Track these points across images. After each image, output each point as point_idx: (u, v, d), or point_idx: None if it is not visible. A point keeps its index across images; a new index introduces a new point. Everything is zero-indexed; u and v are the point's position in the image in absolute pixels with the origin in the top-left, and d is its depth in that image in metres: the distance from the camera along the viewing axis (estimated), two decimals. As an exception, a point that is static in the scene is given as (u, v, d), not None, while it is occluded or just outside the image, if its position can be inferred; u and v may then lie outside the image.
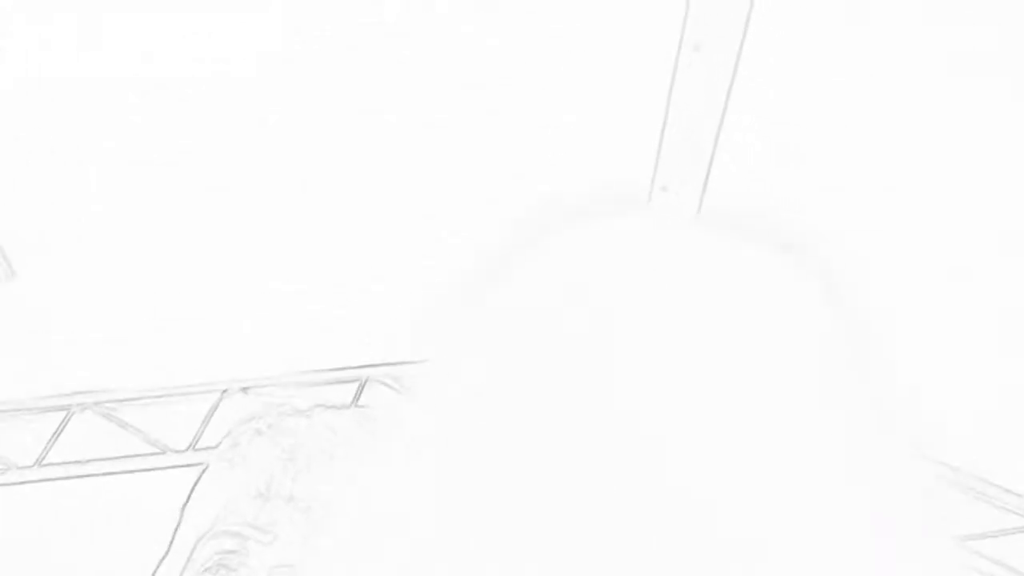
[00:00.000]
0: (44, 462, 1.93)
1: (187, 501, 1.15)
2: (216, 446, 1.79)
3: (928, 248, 1.76)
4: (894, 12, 1.74)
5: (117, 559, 1.53)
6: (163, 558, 1.10)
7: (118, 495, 1.88)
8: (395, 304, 2.00)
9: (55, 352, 1.99)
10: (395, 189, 1.95)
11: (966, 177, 1.73)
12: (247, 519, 1.07)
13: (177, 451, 1.90)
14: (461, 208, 1.97)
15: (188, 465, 1.84)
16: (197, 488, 1.23)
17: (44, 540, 1.82)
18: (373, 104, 1.86)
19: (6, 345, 2.00)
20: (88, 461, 1.94)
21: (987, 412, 1.66)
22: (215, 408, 1.94)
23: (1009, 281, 1.69)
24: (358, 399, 1.89)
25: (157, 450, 1.91)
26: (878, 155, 1.83)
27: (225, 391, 1.97)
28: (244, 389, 1.96)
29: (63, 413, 2.01)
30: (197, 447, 1.88)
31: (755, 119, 1.84)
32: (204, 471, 1.36)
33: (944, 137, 1.76)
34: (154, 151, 1.86)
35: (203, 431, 1.90)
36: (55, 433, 1.96)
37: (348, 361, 2.00)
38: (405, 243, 1.99)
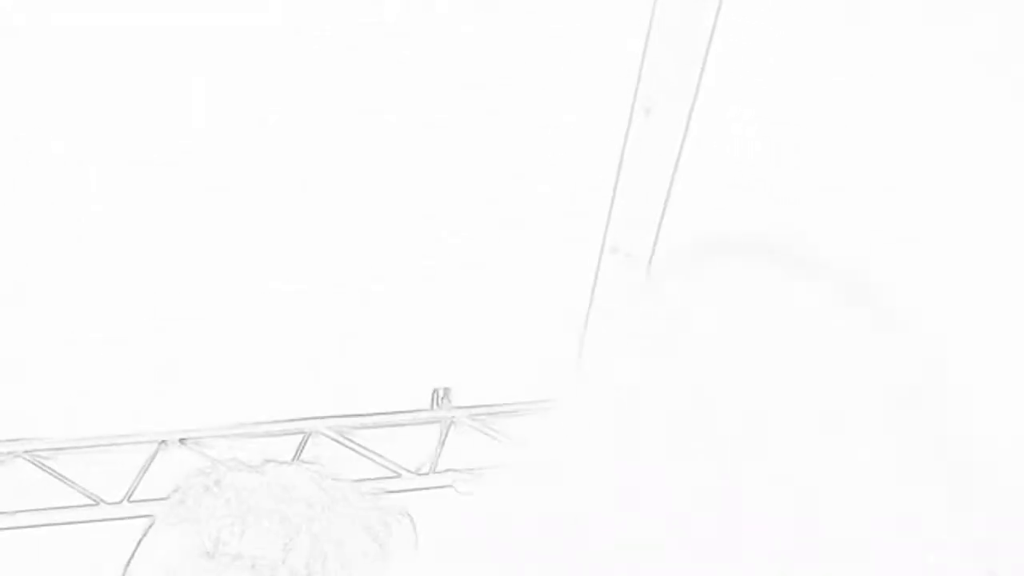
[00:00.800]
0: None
1: (130, 558, 1.14)
2: (154, 499, 1.75)
3: (932, 250, 1.78)
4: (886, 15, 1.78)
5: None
6: None
7: (51, 547, 1.88)
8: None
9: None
10: (395, 189, 1.95)
11: (966, 180, 1.75)
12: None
13: (111, 503, 1.87)
14: (461, 208, 1.97)
15: (123, 518, 1.82)
16: (140, 545, 1.21)
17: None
18: (373, 104, 1.87)
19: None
20: (16, 512, 1.92)
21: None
22: (151, 460, 1.92)
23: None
24: (300, 454, 1.86)
25: (91, 501, 1.89)
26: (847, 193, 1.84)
27: (163, 442, 1.95)
28: (182, 440, 1.94)
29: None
30: (132, 499, 1.85)
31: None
32: (149, 527, 1.34)
33: (931, 154, 1.77)
34: (154, 151, 1.85)
35: (138, 483, 1.87)
36: None
37: (292, 413, 1.99)
38: (405, 243, 1.99)
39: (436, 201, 1.97)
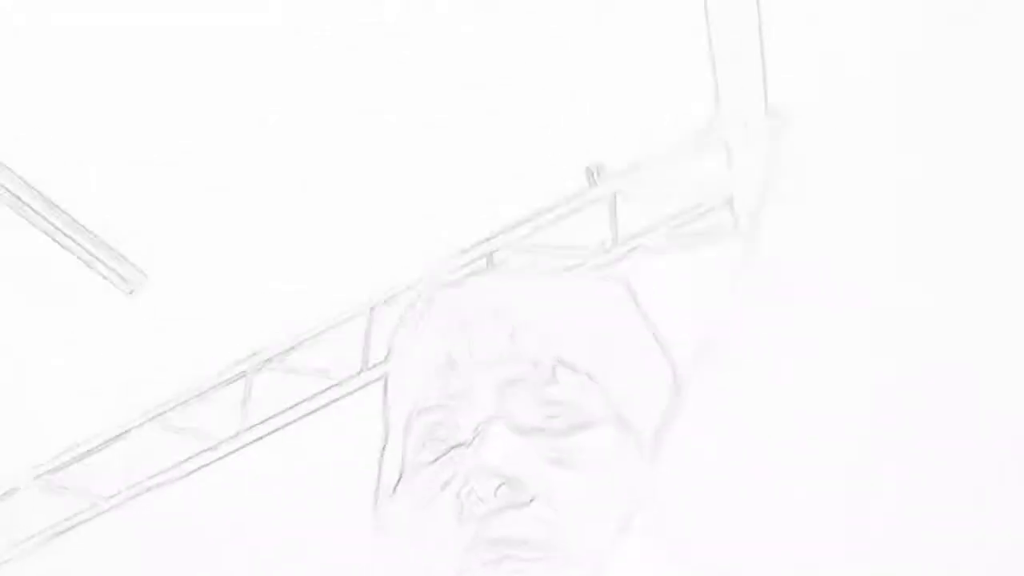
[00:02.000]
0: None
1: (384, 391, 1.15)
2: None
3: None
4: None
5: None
6: (384, 447, 1.10)
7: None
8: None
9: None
10: (395, 189, 1.95)
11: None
12: (444, 391, 1.08)
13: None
14: (461, 208, 1.97)
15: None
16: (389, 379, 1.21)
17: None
18: (373, 104, 1.87)
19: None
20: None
21: None
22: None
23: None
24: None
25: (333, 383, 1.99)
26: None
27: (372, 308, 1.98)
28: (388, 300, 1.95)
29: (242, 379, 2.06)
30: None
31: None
32: (387, 362, 1.35)
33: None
34: (154, 151, 1.86)
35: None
36: (244, 399, 2.04)
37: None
38: (405, 243, 1.99)
39: (436, 201, 1.97)
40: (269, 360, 2.07)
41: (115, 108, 1.82)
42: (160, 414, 2.10)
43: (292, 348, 2.08)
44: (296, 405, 2.03)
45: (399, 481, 1.02)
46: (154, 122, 1.84)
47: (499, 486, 0.96)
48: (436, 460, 1.01)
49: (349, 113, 1.87)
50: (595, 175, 2.03)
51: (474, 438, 1.07)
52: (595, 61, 1.92)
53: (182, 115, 1.83)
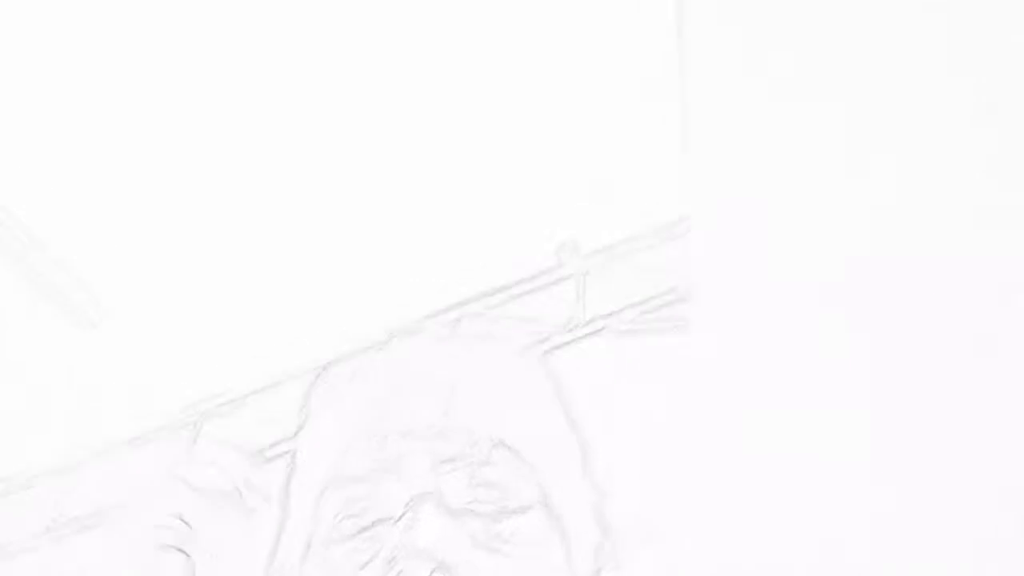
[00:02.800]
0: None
1: (293, 455, 1.11)
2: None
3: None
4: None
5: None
6: (283, 519, 1.07)
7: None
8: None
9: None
10: (395, 190, 1.95)
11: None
12: (369, 462, 1.05)
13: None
14: (460, 209, 1.97)
15: None
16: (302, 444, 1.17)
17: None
18: (373, 105, 1.87)
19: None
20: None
21: None
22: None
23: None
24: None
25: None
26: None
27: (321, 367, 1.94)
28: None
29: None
30: None
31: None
32: (301, 427, 1.30)
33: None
34: (154, 151, 1.85)
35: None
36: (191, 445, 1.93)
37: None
38: (365, 304, 1.98)
39: (435, 202, 1.96)
40: (221, 405, 2.04)
41: (113, 108, 1.82)
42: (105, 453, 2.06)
43: (243, 399, 2.05)
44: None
45: (305, 555, 0.99)
46: (154, 122, 1.83)
47: (433, 570, 0.93)
48: (356, 535, 0.98)
49: (349, 114, 1.86)
50: (567, 252, 2.04)
51: (403, 515, 1.04)
52: (576, 140, 1.93)
53: (181, 114, 1.82)
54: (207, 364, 2.03)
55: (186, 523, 1.19)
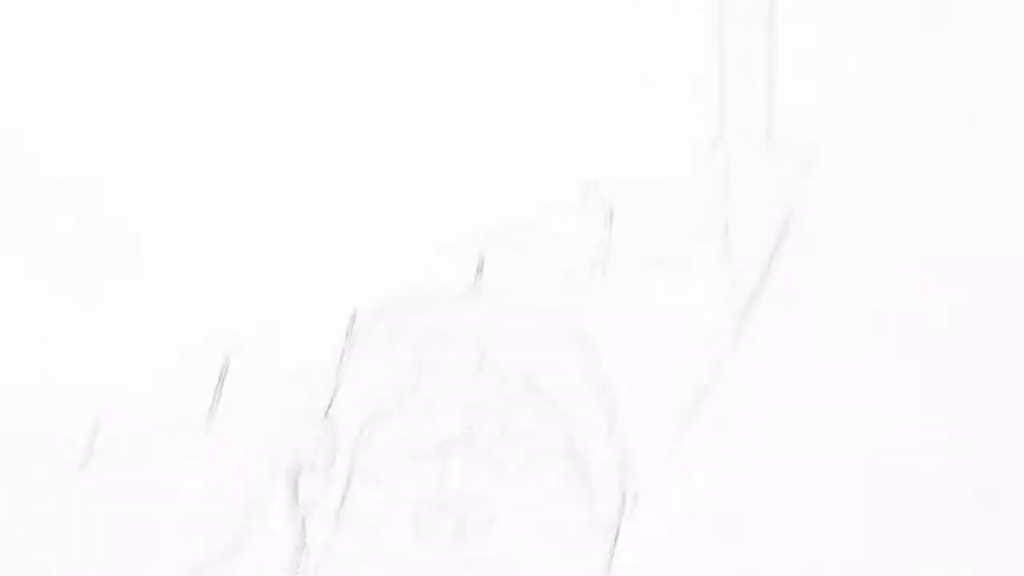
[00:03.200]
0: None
1: (330, 403, 1.15)
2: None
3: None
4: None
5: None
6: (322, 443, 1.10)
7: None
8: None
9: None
10: (395, 191, 1.95)
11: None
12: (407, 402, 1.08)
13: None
14: (461, 211, 1.97)
15: None
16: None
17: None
18: (363, 96, 1.86)
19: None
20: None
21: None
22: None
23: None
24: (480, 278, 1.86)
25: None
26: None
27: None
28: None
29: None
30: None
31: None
32: (337, 387, 1.32)
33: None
34: (154, 151, 1.85)
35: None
36: (218, 384, 1.94)
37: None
38: (394, 240, 1.98)
39: (436, 203, 1.96)
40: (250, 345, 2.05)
41: (112, 109, 1.81)
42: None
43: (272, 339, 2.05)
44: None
45: (344, 498, 1.01)
46: (154, 123, 1.82)
47: (457, 523, 0.95)
48: (389, 481, 1.00)
49: (349, 115, 1.86)
50: (592, 190, 2.03)
51: (435, 456, 1.05)
52: (601, 75, 1.91)
53: (181, 113, 1.81)
54: (237, 300, 2.05)
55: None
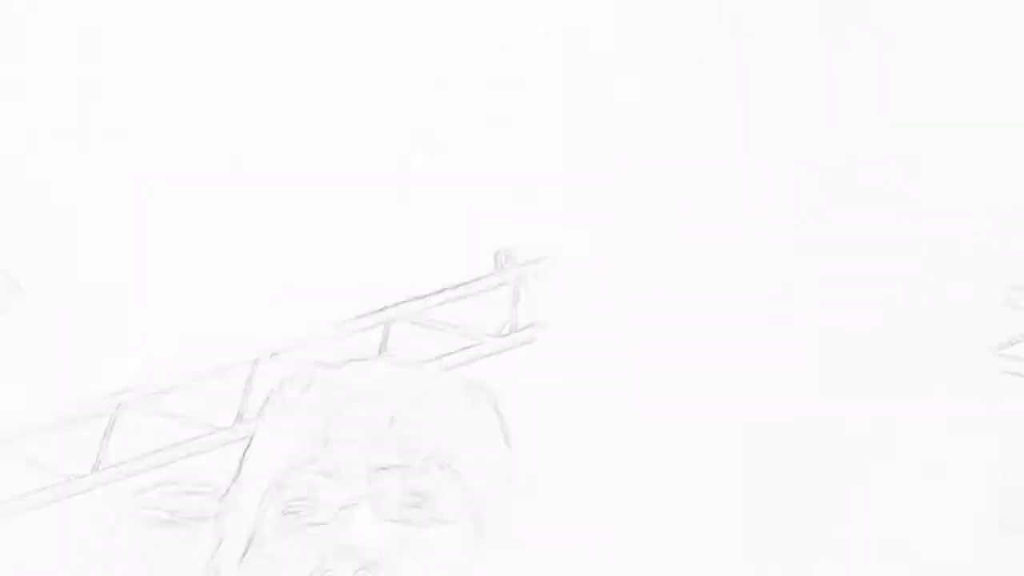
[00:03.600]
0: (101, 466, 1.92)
1: (237, 472, 1.12)
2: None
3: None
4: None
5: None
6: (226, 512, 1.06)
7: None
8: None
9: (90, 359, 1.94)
10: (395, 193, 1.94)
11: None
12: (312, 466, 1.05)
13: (224, 428, 1.86)
14: (460, 214, 1.97)
15: (240, 439, 1.76)
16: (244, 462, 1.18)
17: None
18: (372, 107, 1.87)
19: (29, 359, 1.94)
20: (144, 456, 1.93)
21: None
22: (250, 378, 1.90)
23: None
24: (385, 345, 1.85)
25: (206, 431, 1.89)
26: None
27: (256, 361, 1.93)
28: (273, 355, 1.91)
29: (106, 417, 1.97)
30: (244, 419, 1.82)
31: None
32: (250, 442, 1.31)
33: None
34: (155, 152, 1.82)
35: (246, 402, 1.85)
36: (105, 435, 1.93)
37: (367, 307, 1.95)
38: (300, 300, 1.97)
39: (436, 205, 1.95)
40: (141, 397, 2.00)
41: (113, 109, 1.78)
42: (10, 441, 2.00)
43: (166, 391, 2.01)
44: (160, 451, 1.95)
45: (248, 549, 1.00)
46: (154, 124, 1.78)
47: (358, 569, 0.95)
48: (292, 534, 0.99)
49: (349, 117, 1.86)
50: (503, 260, 2.07)
51: (337, 518, 1.04)
52: (512, 152, 1.96)
53: (180, 113, 1.80)
54: (128, 353, 1.99)
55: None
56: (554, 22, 1.94)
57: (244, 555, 1.01)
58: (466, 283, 2.06)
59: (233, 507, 1.03)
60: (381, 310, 2.01)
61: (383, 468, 1.02)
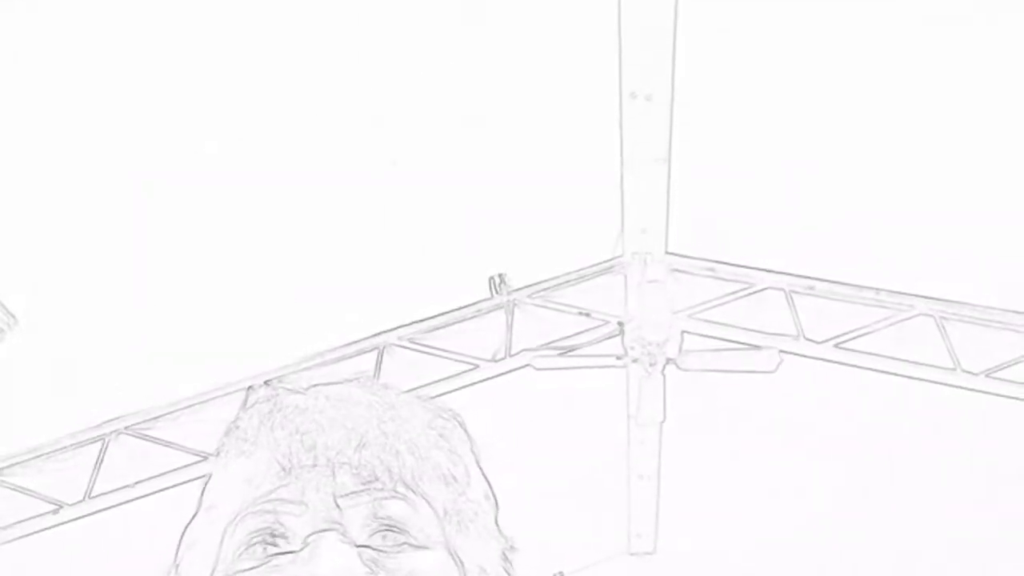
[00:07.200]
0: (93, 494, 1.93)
1: (202, 493, 1.10)
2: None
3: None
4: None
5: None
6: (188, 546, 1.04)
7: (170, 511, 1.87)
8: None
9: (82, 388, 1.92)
10: (394, 194, 1.95)
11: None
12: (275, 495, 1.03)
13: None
14: (461, 215, 1.97)
15: None
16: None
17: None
18: (373, 109, 1.88)
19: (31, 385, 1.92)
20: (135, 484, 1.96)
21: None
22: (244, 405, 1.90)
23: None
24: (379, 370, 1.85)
25: (198, 458, 1.93)
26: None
27: (250, 388, 1.97)
28: (267, 381, 1.91)
29: (99, 443, 1.97)
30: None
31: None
32: (211, 473, 1.30)
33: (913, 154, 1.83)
34: (156, 152, 1.84)
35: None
36: (97, 463, 1.94)
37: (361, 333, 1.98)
38: (296, 328, 1.97)
39: (437, 207, 1.95)
40: (129, 427, 2.00)
41: (113, 110, 1.80)
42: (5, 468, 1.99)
43: (156, 418, 2.01)
44: (152, 478, 1.95)
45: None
46: (155, 125, 1.80)
47: None
48: (257, 566, 0.96)
49: (350, 119, 1.87)
50: (497, 285, 2.07)
51: (303, 547, 1.01)
52: (514, 182, 1.97)
53: (181, 112, 1.79)
54: (121, 381, 1.99)
55: None
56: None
57: None
58: (460, 308, 2.06)
59: (196, 540, 1.01)
60: (375, 335, 2.01)
61: (351, 493, 1.00)
